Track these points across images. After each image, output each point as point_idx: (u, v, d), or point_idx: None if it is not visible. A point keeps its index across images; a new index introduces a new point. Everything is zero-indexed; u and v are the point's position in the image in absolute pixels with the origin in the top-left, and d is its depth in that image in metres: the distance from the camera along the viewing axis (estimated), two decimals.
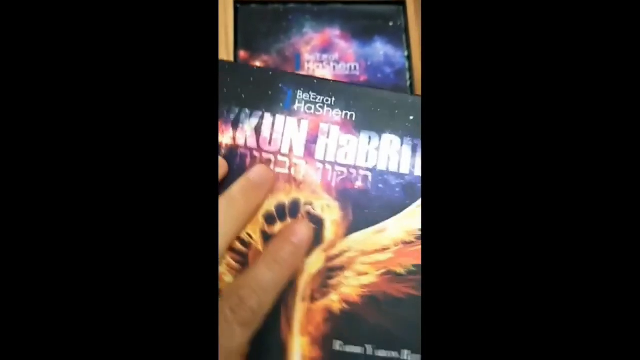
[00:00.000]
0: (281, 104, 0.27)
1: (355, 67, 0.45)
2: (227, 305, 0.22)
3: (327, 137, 0.27)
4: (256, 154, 0.27)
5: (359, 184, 0.27)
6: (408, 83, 0.46)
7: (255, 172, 0.26)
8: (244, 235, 0.26)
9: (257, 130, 0.27)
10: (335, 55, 0.45)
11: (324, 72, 0.44)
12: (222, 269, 0.26)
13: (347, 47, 0.45)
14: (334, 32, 0.45)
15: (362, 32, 0.45)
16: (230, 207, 0.24)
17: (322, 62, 0.44)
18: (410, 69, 0.46)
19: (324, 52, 0.44)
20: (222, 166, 0.26)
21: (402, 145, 0.28)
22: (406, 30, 0.46)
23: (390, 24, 0.46)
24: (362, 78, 0.45)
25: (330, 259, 0.26)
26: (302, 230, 0.25)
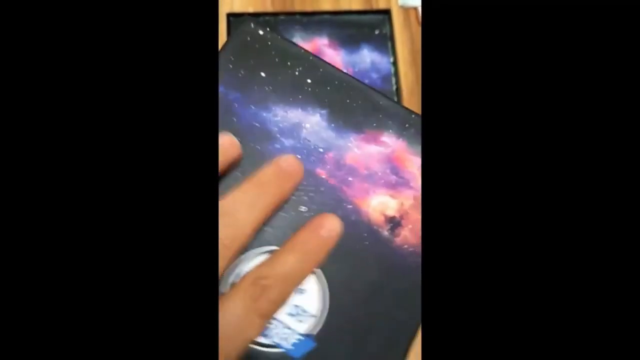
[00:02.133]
0: None
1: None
2: (248, 294, 0.21)
3: None
4: None
5: None
6: (394, 88, 0.48)
7: (288, 162, 0.24)
8: None
9: None
10: None
11: None
12: None
13: (335, 55, 0.48)
14: (322, 41, 0.47)
15: (349, 40, 0.47)
16: (261, 193, 0.23)
17: None
18: (396, 74, 0.48)
19: None
20: (235, 146, 0.25)
21: None
22: (391, 37, 0.48)
23: (376, 32, 0.48)
24: None
25: None
26: (332, 224, 0.24)
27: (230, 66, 0.29)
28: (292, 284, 0.23)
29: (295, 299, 0.26)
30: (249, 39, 0.29)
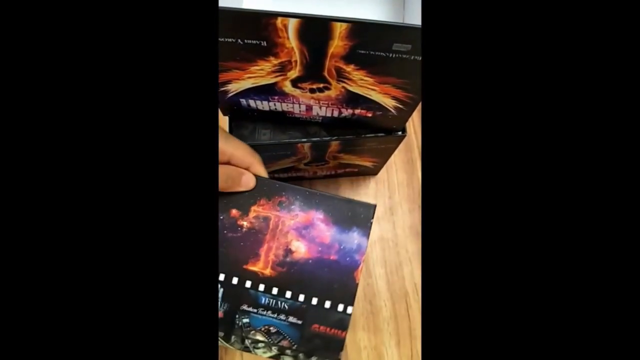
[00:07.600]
0: None
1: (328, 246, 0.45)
2: None
3: None
4: None
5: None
6: None
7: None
8: None
9: None
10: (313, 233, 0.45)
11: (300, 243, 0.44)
12: None
13: (325, 230, 0.46)
14: (317, 215, 0.46)
15: (342, 221, 0.47)
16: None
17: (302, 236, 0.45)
18: None
19: (305, 228, 0.45)
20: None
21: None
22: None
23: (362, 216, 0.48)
24: (332, 257, 0.44)
25: None
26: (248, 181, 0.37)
27: None
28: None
29: None
30: None
